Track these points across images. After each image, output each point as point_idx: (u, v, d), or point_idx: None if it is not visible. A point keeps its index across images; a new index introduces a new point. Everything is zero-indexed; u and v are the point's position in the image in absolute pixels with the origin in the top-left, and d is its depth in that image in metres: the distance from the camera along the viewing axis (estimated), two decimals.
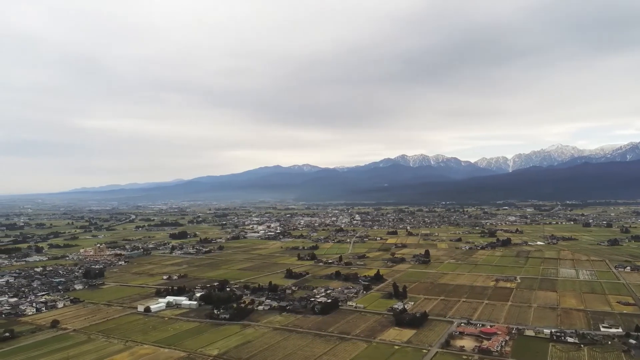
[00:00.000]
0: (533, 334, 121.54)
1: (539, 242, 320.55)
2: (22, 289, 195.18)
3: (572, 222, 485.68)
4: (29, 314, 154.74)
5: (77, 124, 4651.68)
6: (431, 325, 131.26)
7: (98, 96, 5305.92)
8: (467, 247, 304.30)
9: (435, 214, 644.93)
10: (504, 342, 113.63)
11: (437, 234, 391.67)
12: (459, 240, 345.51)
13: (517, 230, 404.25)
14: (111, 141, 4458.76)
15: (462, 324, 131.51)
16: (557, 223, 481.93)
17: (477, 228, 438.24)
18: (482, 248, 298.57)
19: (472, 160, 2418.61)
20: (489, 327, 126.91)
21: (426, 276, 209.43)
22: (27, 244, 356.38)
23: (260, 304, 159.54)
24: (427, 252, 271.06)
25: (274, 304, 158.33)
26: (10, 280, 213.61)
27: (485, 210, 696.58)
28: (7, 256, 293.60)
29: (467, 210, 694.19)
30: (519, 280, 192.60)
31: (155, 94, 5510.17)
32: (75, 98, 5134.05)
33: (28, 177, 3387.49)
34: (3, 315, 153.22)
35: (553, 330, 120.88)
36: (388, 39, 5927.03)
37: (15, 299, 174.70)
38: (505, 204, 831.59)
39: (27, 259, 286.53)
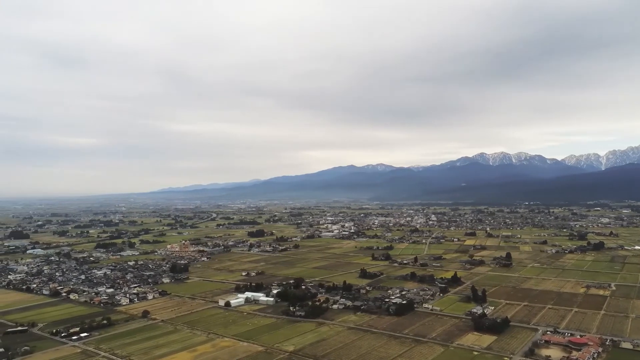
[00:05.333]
0: (631, 346, 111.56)
1: (637, 247, 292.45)
2: (118, 280, 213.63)
3: None
4: (123, 304, 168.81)
5: (166, 128, 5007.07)
6: (513, 332, 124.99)
7: (185, 102, 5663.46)
8: (553, 251, 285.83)
9: (517, 215, 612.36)
10: (596, 354, 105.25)
11: (519, 236, 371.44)
12: (544, 242, 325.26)
13: (611, 233, 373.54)
14: (195, 144, 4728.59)
15: (548, 332, 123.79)
16: None
17: (564, 230, 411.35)
18: (571, 252, 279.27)
19: (559, 158, 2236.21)
20: (578, 336, 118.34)
21: (507, 280, 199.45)
22: (121, 240, 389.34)
23: (334, 302, 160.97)
24: (508, 254, 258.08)
25: (348, 303, 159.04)
26: (107, 273, 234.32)
27: (574, 211, 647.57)
28: (105, 250, 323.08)
29: (553, 211, 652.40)
30: (614, 288, 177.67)
31: (236, 98, 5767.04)
32: (166, 105, 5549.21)
33: (123, 178, 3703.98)
34: (102, 304, 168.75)
35: None
36: (468, 35, 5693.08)
37: (111, 290, 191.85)
38: (597, 205, 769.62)
39: (122, 253, 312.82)
